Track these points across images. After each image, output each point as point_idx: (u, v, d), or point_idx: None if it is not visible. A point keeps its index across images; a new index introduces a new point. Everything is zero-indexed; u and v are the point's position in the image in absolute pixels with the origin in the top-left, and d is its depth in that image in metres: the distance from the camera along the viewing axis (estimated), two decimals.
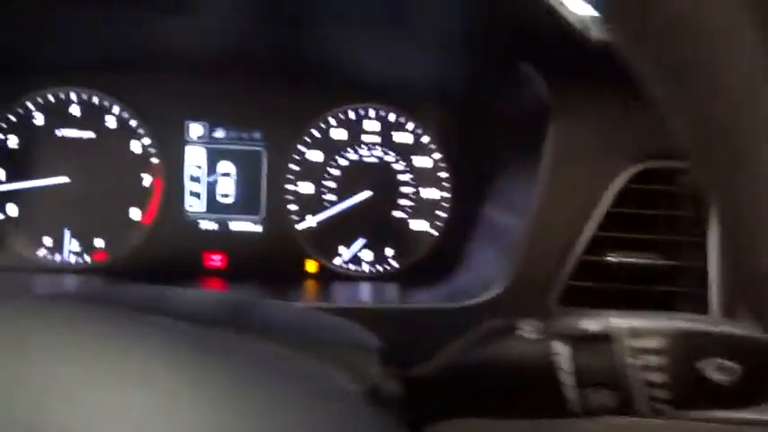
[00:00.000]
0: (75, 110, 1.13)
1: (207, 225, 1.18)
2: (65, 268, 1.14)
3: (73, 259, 1.15)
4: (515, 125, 1.03)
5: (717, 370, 0.48)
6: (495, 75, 1.02)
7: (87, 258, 1.15)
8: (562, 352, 0.52)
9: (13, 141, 1.13)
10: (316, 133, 1.18)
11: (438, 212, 1.20)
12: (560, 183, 0.91)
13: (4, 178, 1.13)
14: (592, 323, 0.53)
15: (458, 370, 0.61)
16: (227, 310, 0.66)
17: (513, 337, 0.56)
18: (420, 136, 1.19)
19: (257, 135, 1.17)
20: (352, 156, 1.19)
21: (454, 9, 0.88)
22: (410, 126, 1.19)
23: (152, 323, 0.51)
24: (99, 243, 1.15)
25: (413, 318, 0.94)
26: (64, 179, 1.13)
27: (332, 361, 0.59)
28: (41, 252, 1.14)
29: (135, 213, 1.16)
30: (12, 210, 1.13)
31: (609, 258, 0.91)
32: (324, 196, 1.19)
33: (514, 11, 0.84)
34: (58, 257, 1.15)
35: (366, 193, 1.18)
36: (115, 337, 0.46)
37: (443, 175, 1.20)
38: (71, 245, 1.15)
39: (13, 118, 1.12)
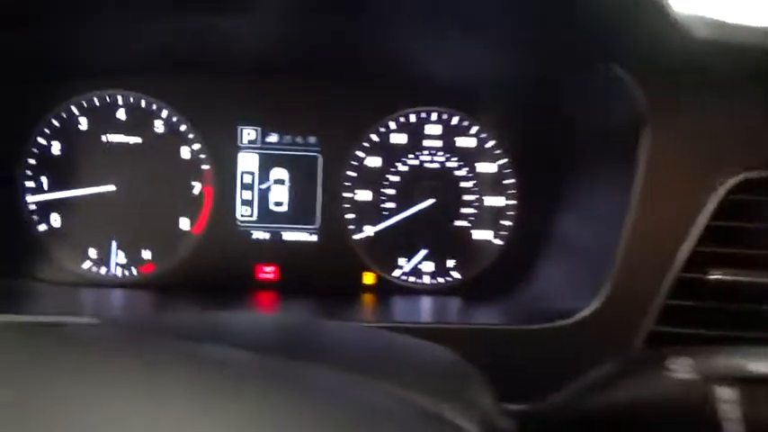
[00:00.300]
0: (121, 114, 1.07)
1: (259, 235, 1.11)
2: (111, 282, 1.08)
3: (119, 272, 1.09)
4: (598, 131, 0.95)
5: None
6: (576, 77, 0.95)
7: (134, 271, 1.09)
8: (728, 398, 0.45)
9: (56, 148, 1.06)
10: (374, 138, 1.11)
11: (502, 221, 1.13)
12: (656, 194, 0.84)
13: (47, 187, 1.06)
14: (763, 364, 0.46)
15: (590, 409, 0.55)
16: (299, 338, 0.60)
17: (660, 375, 0.49)
18: (484, 140, 1.12)
19: (312, 140, 1.11)
20: (413, 161, 1.12)
21: (533, 6, 0.81)
22: (474, 130, 1.12)
23: (217, 357, 0.45)
24: (146, 255, 1.09)
25: (490, 339, 0.87)
26: (110, 187, 1.07)
27: (436, 395, 0.53)
28: (87, 265, 1.08)
29: (184, 223, 1.10)
30: (56, 220, 1.07)
31: (710, 276, 0.84)
32: (383, 204, 1.12)
33: (607, 8, 0.77)
34: (103, 270, 1.08)
35: (429, 201, 1.11)
36: (181, 373, 0.40)
37: (509, 181, 1.13)
38: (118, 257, 1.09)
39: (56, 123, 1.06)
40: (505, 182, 1.13)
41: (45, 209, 1.07)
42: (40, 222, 1.07)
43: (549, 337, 0.84)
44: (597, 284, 0.86)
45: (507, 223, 1.14)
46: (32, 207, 1.06)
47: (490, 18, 0.86)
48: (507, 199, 1.13)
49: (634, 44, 0.83)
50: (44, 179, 1.06)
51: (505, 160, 1.13)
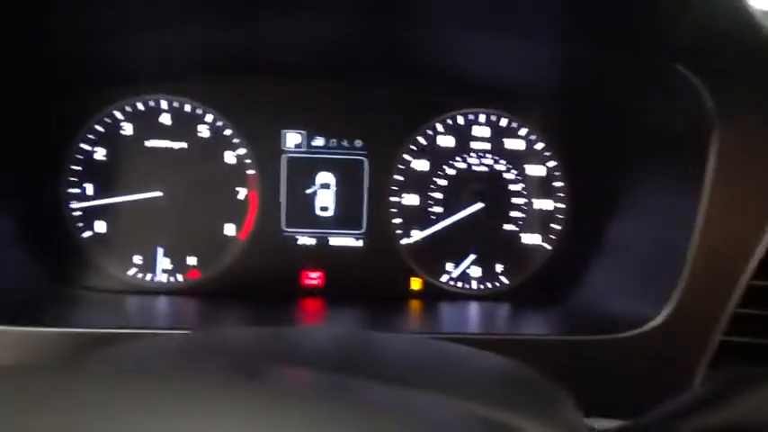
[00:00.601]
0: (165, 119, 1.05)
1: (305, 241, 1.09)
2: (157, 288, 1.07)
3: (165, 278, 1.07)
4: (659, 133, 0.92)
5: None
6: (637, 77, 0.92)
7: (179, 277, 1.08)
8: None
9: (100, 154, 1.05)
10: (421, 140, 1.09)
11: (552, 225, 1.11)
12: (726, 199, 0.81)
13: (91, 193, 1.05)
14: None
15: (697, 429, 0.52)
16: (373, 355, 0.58)
17: None
18: (534, 142, 1.10)
19: (358, 143, 1.09)
20: (461, 164, 1.10)
21: (596, 6, 0.79)
22: (523, 132, 1.10)
23: (284, 376, 0.44)
24: (192, 261, 1.08)
25: (552, 349, 0.85)
26: (155, 193, 1.05)
27: (519, 411, 0.51)
28: (132, 271, 1.07)
29: (229, 229, 1.08)
30: (100, 227, 1.06)
31: None
32: (430, 209, 1.10)
33: (678, 6, 0.74)
34: (149, 277, 1.07)
35: (478, 205, 1.09)
36: (253, 396, 0.39)
37: (558, 184, 1.10)
38: (163, 263, 1.07)
39: (100, 129, 1.05)
40: (555, 185, 1.10)
41: (90, 215, 1.05)
42: (84, 229, 1.05)
43: (616, 348, 0.82)
44: (663, 292, 0.83)
45: (557, 227, 1.11)
46: (77, 214, 1.05)
47: (548, 18, 0.84)
48: (557, 202, 1.11)
49: (702, 42, 0.80)
50: (88, 185, 1.05)
51: (555, 163, 1.10)
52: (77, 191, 1.05)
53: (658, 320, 0.80)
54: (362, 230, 1.10)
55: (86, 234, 1.05)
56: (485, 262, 1.11)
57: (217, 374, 0.43)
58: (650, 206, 0.94)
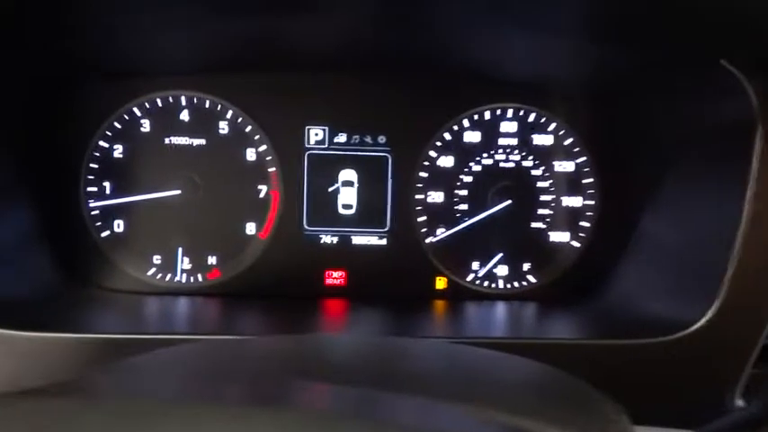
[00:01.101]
0: (184, 115, 1.03)
1: (327, 239, 1.07)
2: (177, 289, 1.05)
3: (185, 278, 1.05)
4: (698, 129, 0.89)
5: None
6: (676, 72, 0.89)
7: (200, 277, 1.05)
8: None
9: (118, 151, 1.02)
10: (447, 136, 1.06)
11: (581, 222, 1.08)
12: None
13: (110, 192, 1.03)
14: None
15: None
16: (411, 364, 0.56)
17: None
18: (562, 138, 1.07)
19: (382, 139, 1.06)
20: (487, 161, 1.07)
21: (639, 3, 0.75)
22: (552, 126, 1.07)
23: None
24: (212, 260, 1.05)
25: (583, 354, 0.82)
26: (175, 192, 1.03)
27: (568, 423, 0.48)
28: (151, 271, 1.04)
29: (250, 228, 1.05)
30: (119, 226, 1.04)
31: None
32: (456, 206, 1.07)
33: (723, 2, 0.71)
34: (168, 277, 1.05)
35: (506, 203, 1.05)
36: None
37: (588, 180, 1.07)
38: (183, 263, 1.05)
39: (118, 125, 1.02)
40: (584, 181, 1.07)
41: (108, 214, 1.03)
42: (103, 229, 1.03)
43: (657, 351, 0.78)
44: (706, 291, 0.80)
45: (586, 224, 1.08)
46: (95, 213, 1.03)
47: (587, 16, 0.80)
48: (586, 199, 1.08)
49: (748, 37, 0.76)
50: (107, 184, 1.02)
51: (584, 158, 1.07)
52: (95, 189, 1.02)
53: (703, 321, 0.77)
54: (386, 229, 1.07)
55: (105, 233, 1.03)
56: (512, 260, 1.08)
57: (239, 398, 0.41)
58: (689, 202, 0.91)
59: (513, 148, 1.07)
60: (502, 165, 1.07)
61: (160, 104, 1.02)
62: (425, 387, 0.48)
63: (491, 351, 0.60)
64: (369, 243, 1.07)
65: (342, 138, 1.05)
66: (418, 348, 0.61)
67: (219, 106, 1.03)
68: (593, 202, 1.08)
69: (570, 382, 0.55)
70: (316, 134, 1.05)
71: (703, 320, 0.77)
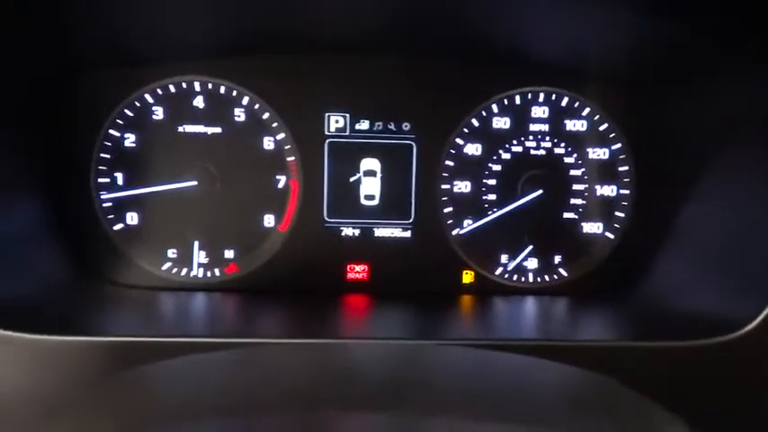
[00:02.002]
0: (199, 102, 0.98)
1: (349, 232, 1.02)
2: (193, 284, 1.00)
3: (201, 273, 1.01)
4: (745, 114, 0.83)
5: None
6: (720, 53, 0.83)
7: (217, 272, 1.01)
8: None
9: (130, 140, 0.98)
10: (475, 123, 1.01)
11: (616, 213, 1.02)
12: None
13: (122, 183, 0.98)
14: None
15: None
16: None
17: None
18: (597, 123, 1.01)
19: (407, 126, 1.00)
20: (517, 148, 1.01)
21: None
22: (585, 111, 1.01)
23: None
24: (229, 254, 1.01)
25: (622, 357, 0.76)
26: (191, 183, 0.98)
27: None
28: (166, 266, 1.00)
29: (269, 220, 1.01)
30: (132, 219, 0.99)
31: None
32: (484, 197, 1.02)
33: None
34: (184, 272, 1.01)
35: (537, 192, 1.00)
36: None
37: (624, 168, 1.02)
38: (199, 257, 1.00)
39: (130, 113, 0.97)
40: (620, 169, 1.02)
41: (121, 207, 0.99)
42: (115, 222, 0.99)
43: (706, 354, 0.73)
44: (757, 290, 0.75)
45: (621, 215, 1.03)
46: (107, 205, 0.98)
47: None
48: (621, 188, 1.02)
49: None
50: (119, 175, 0.98)
51: (619, 145, 1.01)
52: (107, 180, 0.98)
53: (759, 320, 0.72)
54: (410, 220, 1.02)
55: (117, 227, 0.99)
56: (542, 253, 1.03)
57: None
58: (735, 192, 0.85)
59: (544, 134, 1.01)
60: (533, 152, 1.01)
61: (173, 91, 0.97)
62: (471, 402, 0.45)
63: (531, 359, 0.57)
64: (392, 235, 1.02)
65: (364, 125, 1.00)
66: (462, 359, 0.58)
67: (235, 92, 0.98)
68: (628, 192, 1.02)
69: (625, 396, 0.51)
70: (336, 121, 1.00)
71: (759, 319, 0.72)
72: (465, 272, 1.03)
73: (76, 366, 0.68)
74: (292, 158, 1.00)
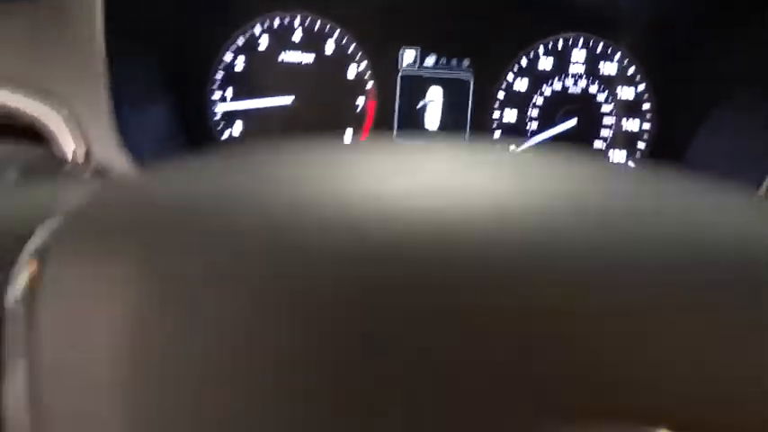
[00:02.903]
0: (297, 34, 1.19)
1: None
2: None
3: None
4: (756, 58, 1.02)
5: None
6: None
7: None
8: None
9: (240, 65, 1.20)
10: (524, 62, 1.21)
11: (639, 144, 1.22)
12: None
13: (231, 98, 1.20)
14: None
15: None
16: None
17: None
18: (626, 67, 1.20)
19: (466, 63, 1.21)
20: (557, 86, 1.21)
21: None
22: (617, 56, 1.20)
23: None
24: None
25: None
26: (286, 99, 1.20)
27: None
28: None
29: (349, 135, 1.22)
30: (237, 130, 1.21)
31: None
32: (527, 126, 1.22)
33: None
34: None
35: (572, 122, 1.20)
36: None
37: (647, 106, 1.21)
38: None
39: (240, 42, 1.19)
40: (643, 107, 1.21)
41: (230, 118, 1.21)
42: (225, 129, 1.21)
43: None
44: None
45: (642, 146, 1.22)
46: (218, 116, 1.21)
47: None
48: (643, 122, 1.22)
49: None
50: (230, 90, 1.20)
51: (644, 85, 1.21)
52: (219, 94, 1.20)
53: None
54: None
55: (226, 134, 1.21)
56: None
57: None
58: (739, 127, 1.04)
59: (581, 75, 1.21)
60: (570, 90, 1.21)
61: (277, 24, 1.19)
62: None
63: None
64: None
65: (431, 60, 1.21)
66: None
67: (328, 27, 1.19)
68: (649, 126, 1.22)
69: None
70: (409, 55, 1.21)
71: None
72: None
73: None
74: (371, 85, 1.21)
